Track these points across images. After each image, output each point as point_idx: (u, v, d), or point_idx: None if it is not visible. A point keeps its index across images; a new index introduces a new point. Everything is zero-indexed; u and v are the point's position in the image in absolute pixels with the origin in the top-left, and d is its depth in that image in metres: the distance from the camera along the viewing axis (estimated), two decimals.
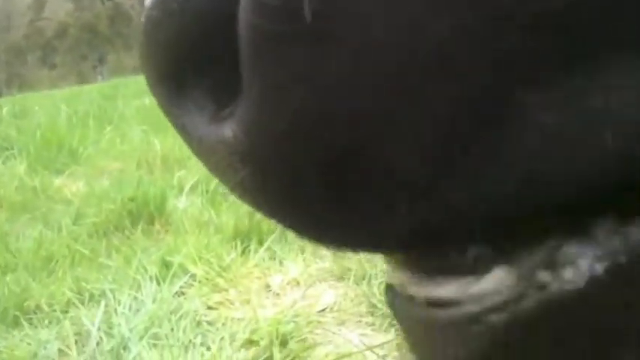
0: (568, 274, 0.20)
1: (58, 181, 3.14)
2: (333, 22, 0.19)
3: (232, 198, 1.93)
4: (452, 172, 0.19)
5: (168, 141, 3.54)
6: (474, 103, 0.18)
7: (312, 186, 0.21)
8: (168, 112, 0.24)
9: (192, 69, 0.22)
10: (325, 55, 0.19)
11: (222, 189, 2.46)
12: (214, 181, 2.51)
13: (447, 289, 0.24)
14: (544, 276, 0.21)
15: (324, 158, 0.20)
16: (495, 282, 0.22)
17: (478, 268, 0.23)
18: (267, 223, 1.94)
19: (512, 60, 0.17)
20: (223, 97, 0.22)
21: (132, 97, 6.72)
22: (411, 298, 0.26)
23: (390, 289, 0.27)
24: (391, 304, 0.28)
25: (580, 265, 0.20)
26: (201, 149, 0.24)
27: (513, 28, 0.17)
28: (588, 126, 0.17)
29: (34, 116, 5.04)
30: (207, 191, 2.47)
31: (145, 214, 2.27)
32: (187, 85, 0.23)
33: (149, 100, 5.88)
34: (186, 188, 2.52)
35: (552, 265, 0.20)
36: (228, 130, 0.21)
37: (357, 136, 0.20)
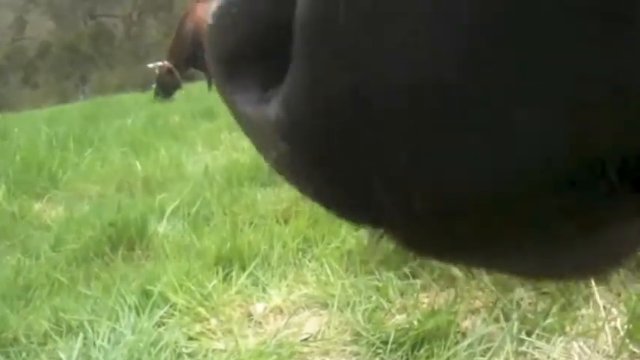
0: None
1: (37, 206, 3.09)
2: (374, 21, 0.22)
3: (214, 221, 1.89)
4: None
5: (149, 163, 3.51)
6: None
7: (341, 160, 0.24)
8: (222, 90, 0.30)
9: (245, 58, 0.28)
10: (364, 48, 0.22)
11: (204, 212, 2.42)
12: (196, 204, 2.48)
13: None
14: None
15: (356, 136, 0.23)
16: None
17: None
18: (250, 248, 1.91)
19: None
20: (269, 83, 0.27)
21: (114, 116, 6.66)
22: None
23: None
24: None
25: None
26: (249, 126, 0.29)
27: None
28: None
29: (14, 138, 4.97)
30: (188, 214, 2.44)
31: (125, 239, 2.23)
32: (240, 70, 0.28)
33: (131, 120, 5.83)
34: (168, 212, 2.48)
35: None
36: (272, 110, 0.25)
37: (389, 116, 0.22)
